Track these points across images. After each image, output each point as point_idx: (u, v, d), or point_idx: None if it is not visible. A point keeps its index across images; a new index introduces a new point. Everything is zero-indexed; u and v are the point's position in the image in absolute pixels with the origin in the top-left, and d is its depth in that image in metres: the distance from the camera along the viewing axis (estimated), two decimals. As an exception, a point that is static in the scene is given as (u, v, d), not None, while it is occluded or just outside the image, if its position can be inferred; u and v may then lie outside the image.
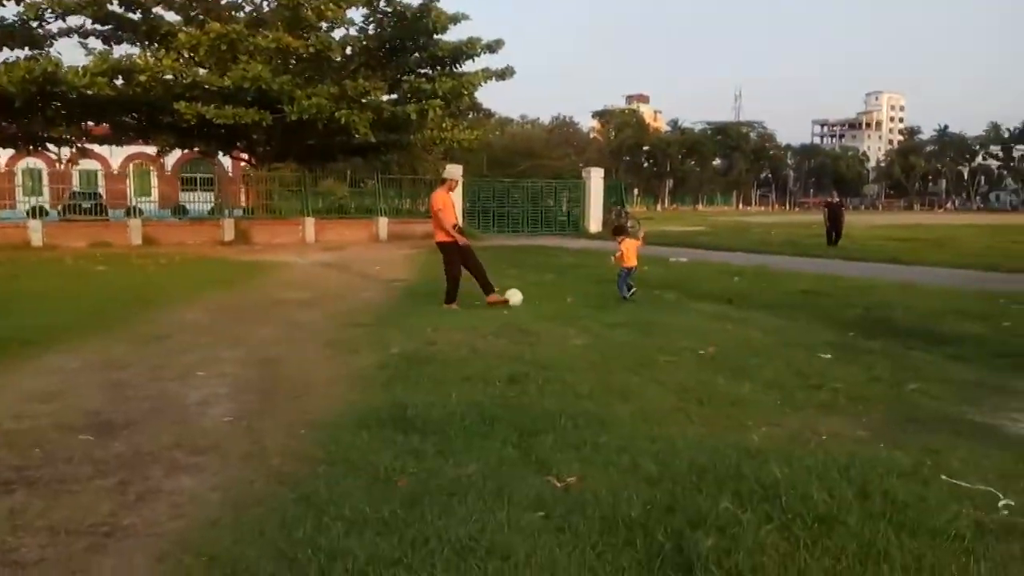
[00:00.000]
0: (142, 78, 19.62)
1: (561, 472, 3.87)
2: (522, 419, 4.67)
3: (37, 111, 20.82)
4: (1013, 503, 3.57)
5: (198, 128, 22.93)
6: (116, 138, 26.01)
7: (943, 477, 3.86)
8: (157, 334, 7.67)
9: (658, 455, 4.14)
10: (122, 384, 5.68)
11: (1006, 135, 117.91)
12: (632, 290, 10.20)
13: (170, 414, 4.94)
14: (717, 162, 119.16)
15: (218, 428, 4.64)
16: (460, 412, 4.77)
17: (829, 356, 6.74)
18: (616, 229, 11.63)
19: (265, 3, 23.61)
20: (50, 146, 24.98)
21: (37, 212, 24.32)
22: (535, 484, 3.68)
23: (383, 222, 25.32)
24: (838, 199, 24.14)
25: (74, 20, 22.57)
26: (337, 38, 22.50)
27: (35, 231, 20.74)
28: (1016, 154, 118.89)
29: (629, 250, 10.28)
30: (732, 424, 4.80)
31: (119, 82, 20.33)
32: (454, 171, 9.69)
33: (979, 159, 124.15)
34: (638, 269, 10.71)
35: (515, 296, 9.70)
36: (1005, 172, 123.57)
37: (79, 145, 25.85)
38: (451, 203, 9.51)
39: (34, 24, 21.14)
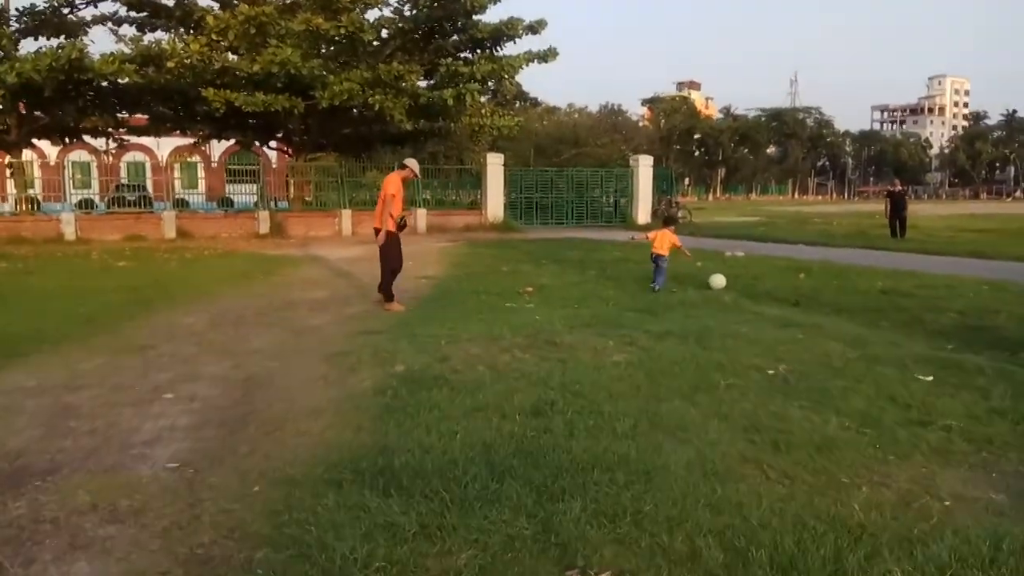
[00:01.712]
0: (170, 64, 18.99)
1: (590, 563, 2.79)
2: (543, 472, 3.59)
3: (69, 101, 20.37)
4: None
5: (232, 117, 22.28)
6: (154, 128, 25.55)
7: None
8: (141, 344, 6.79)
9: (725, 534, 3.03)
10: (70, 411, 4.76)
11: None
12: (655, 284, 10.03)
13: (106, 457, 3.98)
14: (771, 150, 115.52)
15: (155, 480, 3.65)
16: (463, 461, 3.70)
17: (929, 378, 5.47)
18: (667, 220, 10.92)
19: (300, -14, 22.81)
20: (86, 137, 24.61)
21: (86, 204, 24.15)
22: (551, 587, 2.60)
23: (421, 213, 24.39)
24: (900, 187, 22.28)
25: (108, 7, 22.10)
26: (371, 20, 21.55)
27: (68, 224, 20.34)
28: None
29: (660, 238, 10.20)
30: (821, 481, 3.63)
31: (150, 70, 19.73)
32: (413, 164, 9.22)
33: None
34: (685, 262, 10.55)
35: (719, 280, 10.00)
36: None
37: (116, 136, 25.47)
38: (402, 192, 9.08)
39: (65, 11, 20.71)
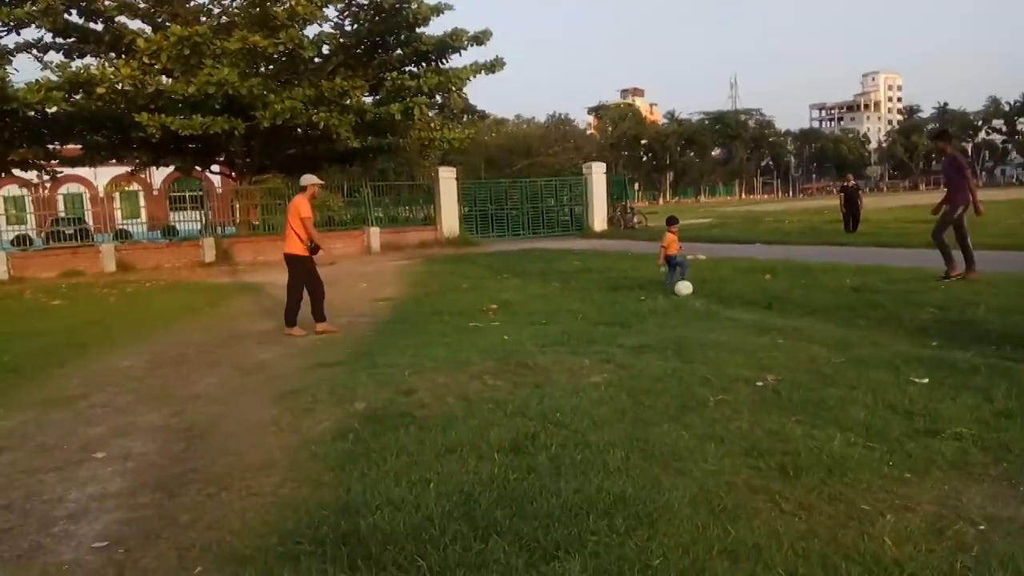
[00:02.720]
0: (100, 90, 18.10)
1: (600, 640, 2.35)
2: (532, 524, 3.14)
3: (-7, 133, 19.33)
4: None
5: (170, 142, 21.41)
6: (88, 158, 24.44)
7: None
8: (71, 393, 6.14)
9: (750, 590, 2.62)
10: (-18, 481, 4.15)
11: (1007, 108, 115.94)
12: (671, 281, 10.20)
13: (21, 538, 3.40)
14: (716, 152, 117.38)
15: (79, 566, 3.10)
16: (440, 517, 3.23)
17: (925, 380, 5.18)
18: (669, 220, 10.94)
19: (234, 5, 22.08)
20: (16, 171, 23.44)
21: (22, 241, 22.92)
22: None
23: (374, 232, 23.79)
24: (854, 182, 22.60)
25: (32, 34, 21.06)
26: (311, 36, 20.95)
27: (-1, 263, 19.24)
28: (1020, 127, 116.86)
29: (670, 242, 10.47)
30: (840, 511, 3.27)
31: (79, 97, 18.78)
32: (310, 178, 8.95)
33: (982, 135, 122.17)
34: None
35: (686, 288, 9.65)
36: (1010, 146, 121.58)
37: (48, 168, 24.30)
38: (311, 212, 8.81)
39: (-15, 39, 19.69)
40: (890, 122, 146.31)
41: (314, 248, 8.73)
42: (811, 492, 3.45)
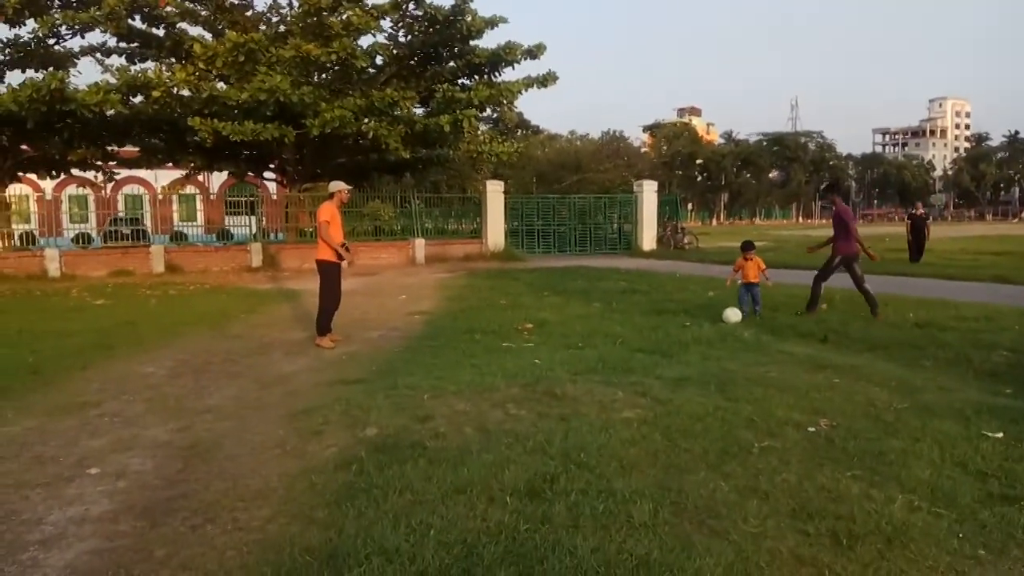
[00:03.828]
0: (156, 94, 18.37)
1: None
2: (539, 589, 2.73)
3: (54, 133, 19.72)
4: None
5: (224, 147, 21.64)
6: (146, 160, 24.93)
7: None
8: (84, 400, 5.94)
9: None
10: (-35, 495, 3.92)
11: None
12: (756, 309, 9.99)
13: (-17, 566, 3.14)
14: (774, 174, 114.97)
15: (31, 604, 2.81)
16: (436, 573, 2.84)
17: (999, 435, 4.62)
18: (745, 246, 10.63)
19: (291, 14, 22.28)
20: (75, 170, 24.00)
21: (83, 239, 23.48)
22: None
23: (419, 244, 23.65)
24: (923, 211, 21.63)
25: (97, 38, 21.58)
26: (364, 46, 20.95)
27: (52, 260, 19.56)
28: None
29: (749, 266, 10.19)
30: (903, 594, 2.77)
31: (136, 100, 19.11)
32: (338, 185, 8.78)
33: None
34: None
35: (734, 315, 9.37)
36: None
37: (106, 169, 24.84)
38: (340, 218, 8.71)
39: (51, 42, 20.16)
40: (956, 149, 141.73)
41: (344, 247, 8.63)
42: (867, 567, 2.98)
